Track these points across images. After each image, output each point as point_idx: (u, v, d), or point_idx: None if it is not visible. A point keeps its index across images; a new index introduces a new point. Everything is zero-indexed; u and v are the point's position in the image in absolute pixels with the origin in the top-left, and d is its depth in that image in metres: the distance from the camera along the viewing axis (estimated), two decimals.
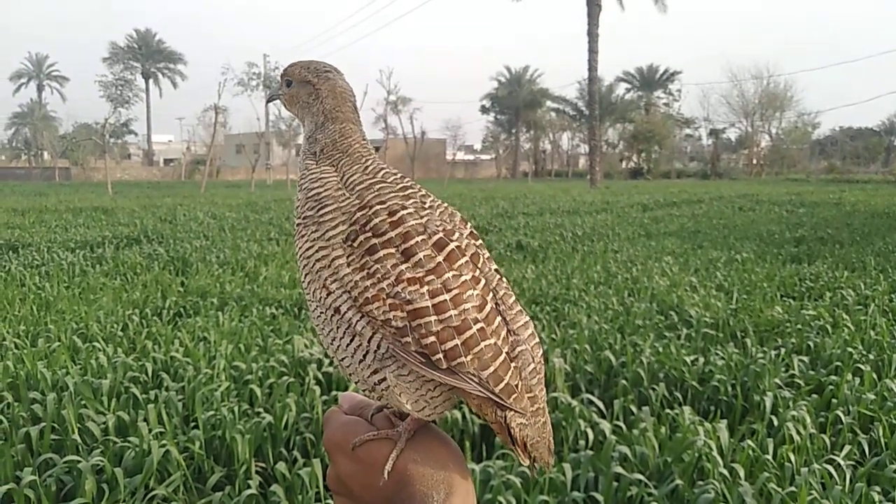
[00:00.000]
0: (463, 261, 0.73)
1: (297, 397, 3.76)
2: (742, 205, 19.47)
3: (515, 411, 0.72)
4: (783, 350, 4.82)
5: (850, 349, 4.70)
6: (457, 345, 0.70)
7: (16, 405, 3.74)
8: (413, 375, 0.72)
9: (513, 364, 0.72)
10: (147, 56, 68.90)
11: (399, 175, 0.81)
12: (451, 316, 0.70)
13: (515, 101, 60.75)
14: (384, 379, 0.73)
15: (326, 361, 4.38)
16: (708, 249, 10.36)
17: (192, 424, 3.60)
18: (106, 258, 9.46)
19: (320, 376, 4.19)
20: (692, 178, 53.95)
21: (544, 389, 0.76)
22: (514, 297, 0.76)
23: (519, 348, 0.73)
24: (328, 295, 0.74)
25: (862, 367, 4.39)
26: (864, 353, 4.72)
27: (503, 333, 0.73)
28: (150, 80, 69.38)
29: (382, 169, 0.80)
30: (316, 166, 0.81)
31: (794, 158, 57.66)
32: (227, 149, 63.92)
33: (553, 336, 5.22)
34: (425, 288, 0.70)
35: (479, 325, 0.71)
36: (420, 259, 0.71)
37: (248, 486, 3.04)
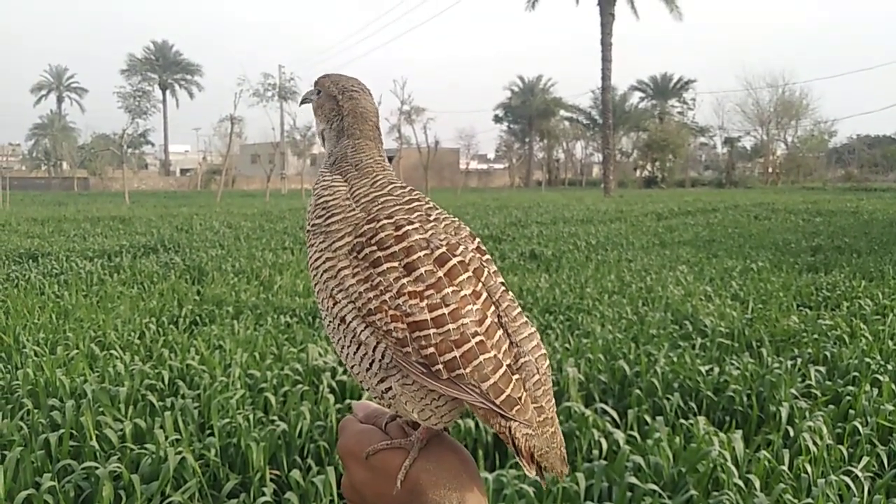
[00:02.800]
0: (464, 276, 0.74)
1: (311, 405, 3.79)
2: (758, 213, 19.31)
3: (520, 422, 0.73)
4: (799, 360, 4.78)
5: (867, 359, 4.65)
6: (455, 357, 0.71)
7: (35, 412, 3.79)
8: (416, 385, 0.74)
9: (515, 376, 0.73)
10: (164, 67, 69.83)
11: (408, 189, 0.83)
12: (449, 329, 0.72)
13: (529, 110, 60.80)
14: (390, 388, 0.75)
15: (340, 370, 4.40)
16: (723, 258, 10.30)
17: (208, 432, 3.63)
18: (123, 267, 9.57)
19: (334, 385, 4.22)
20: (707, 186, 53.58)
21: (552, 400, 0.76)
22: (518, 310, 0.77)
23: (522, 360, 0.74)
24: (335, 304, 0.76)
25: (880, 377, 4.33)
26: (883, 363, 4.66)
27: (504, 347, 0.74)
28: (167, 91, 70.27)
29: (392, 183, 0.82)
30: (329, 175, 0.85)
31: (810, 167, 57.03)
32: (242, 159, 64.44)
33: (567, 345, 5.21)
34: (425, 302, 0.72)
35: (478, 339, 0.72)
36: (421, 274, 0.73)
37: (263, 494, 3.06)
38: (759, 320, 6.07)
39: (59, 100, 74.53)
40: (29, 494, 2.90)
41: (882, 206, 21.39)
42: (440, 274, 0.73)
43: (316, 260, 0.79)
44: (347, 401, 4.02)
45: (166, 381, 4.30)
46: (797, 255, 10.61)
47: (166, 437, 3.39)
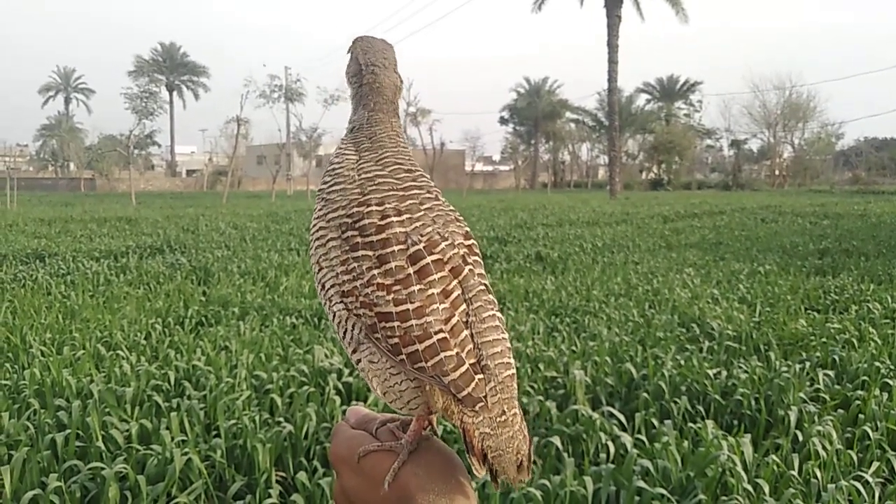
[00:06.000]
0: (436, 276, 0.75)
1: (317, 407, 3.78)
2: (764, 216, 19.24)
3: (481, 418, 0.72)
4: (808, 364, 4.75)
5: (877, 363, 4.61)
6: (417, 350, 0.72)
7: (42, 412, 3.80)
8: (382, 365, 0.75)
9: (478, 376, 0.73)
10: (171, 69, 70.14)
11: (415, 173, 0.82)
12: (412, 325, 0.73)
13: (535, 112, 60.80)
14: (360, 360, 0.77)
15: (346, 371, 4.40)
16: (730, 261, 10.25)
17: (214, 433, 3.63)
18: (129, 268, 9.59)
19: (340, 386, 4.21)
20: (713, 189, 53.41)
21: (514, 408, 0.75)
22: (490, 313, 0.76)
23: (482, 363, 0.74)
24: (319, 270, 0.79)
25: (890, 381, 4.30)
26: (892, 367, 4.63)
27: (469, 347, 0.74)
28: (174, 93, 70.56)
29: (397, 163, 0.82)
30: (346, 143, 0.86)
31: (817, 169, 56.80)
32: (248, 160, 64.70)
33: (573, 348, 5.19)
34: (391, 295, 0.74)
35: (440, 336, 0.72)
36: (391, 268, 0.74)
37: (269, 496, 3.05)
38: (766, 323, 6.03)
39: (67, 101, 74.98)
40: (35, 494, 2.90)
41: (890, 209, 21.28)
42: (410, 271, 0.74)
43: (314, 224, 0.81)
44: (353, 402, 4.01)
45: (172, 382, 4.29)
46: (805, 258, 10.55)
47: (172, 438, 3.38)
